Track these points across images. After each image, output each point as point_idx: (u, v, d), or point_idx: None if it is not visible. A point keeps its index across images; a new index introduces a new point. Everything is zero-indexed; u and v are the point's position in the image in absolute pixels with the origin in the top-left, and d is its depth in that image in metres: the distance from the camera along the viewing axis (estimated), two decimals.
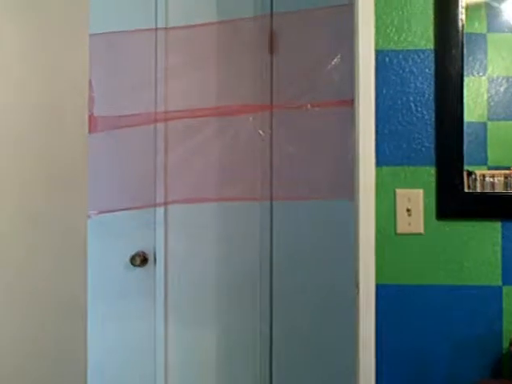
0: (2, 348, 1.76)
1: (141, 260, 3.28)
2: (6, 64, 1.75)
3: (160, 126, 3.22)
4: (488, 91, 2.16)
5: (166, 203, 3.24)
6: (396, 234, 2.17)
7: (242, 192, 3.19)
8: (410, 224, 2.16)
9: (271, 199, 3.17)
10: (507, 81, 2.16)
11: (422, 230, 2.16)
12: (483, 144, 2.16)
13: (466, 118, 2.14)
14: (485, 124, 2.16)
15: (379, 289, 2.17)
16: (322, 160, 3.03)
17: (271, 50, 3.15)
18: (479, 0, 2.16)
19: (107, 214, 3.28)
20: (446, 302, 2.17)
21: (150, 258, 3.30)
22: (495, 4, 2.16)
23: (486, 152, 2.16)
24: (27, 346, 1.87)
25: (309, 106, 2.98)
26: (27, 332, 1.88)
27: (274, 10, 3.15)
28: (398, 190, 2.17)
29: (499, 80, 2.16)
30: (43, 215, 1.94)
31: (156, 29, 3.26)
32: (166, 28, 3.24)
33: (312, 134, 3.04)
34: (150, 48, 3.24)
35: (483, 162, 2.16)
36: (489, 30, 2.16)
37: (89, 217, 2.40)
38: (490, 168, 2.16)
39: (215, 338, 3.27)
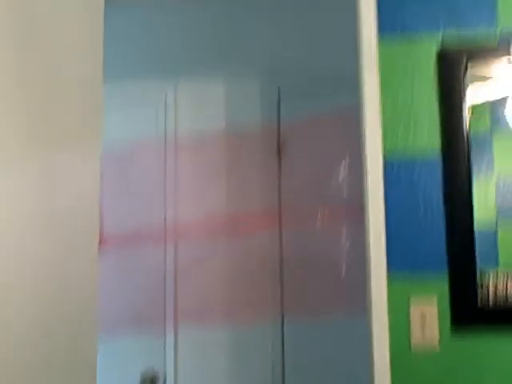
0: None
1: (151, 381, 3.21)
2: (16, 189, 1.75)
3: (170, 244, 3.22)
4: (496, 192, 2.13)
5: (175, 326, 3.20)
6: (411, 347, 2.10)
7: (253, 312, 3.15)
8: (424, 337, 2.10)
9: (282, 320, 3.12)
10: None
11: (436, 345, 2.09)
12: (494, 248, 2.12)
13: (476, 222, 2.11)
14: (495, 228, 2.12)
15: None
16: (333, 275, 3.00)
17: (279, 159, 3.18)
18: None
19: (117, 339, 3.24)
20: None
21: (160, 381, 3.23)
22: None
23: (497, 256, 2.11)
24: None
25: (318, 215, 2.97)
26: None
27: (282, 114, 3.19)
28: (411, 301, 2.11)
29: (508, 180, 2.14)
30: (54, 338, 1.90)
31: (165, 139, 3.31)
32: (175, 138, 3.29)
33: (322, 245, 3.03)
34: (159, 158, 3.28)
35: (494, 266, 2.11)
36: (494, 129, 2.17)
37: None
38: (502, 270, 2.11)
39: None
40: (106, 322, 3.08)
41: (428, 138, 2.17)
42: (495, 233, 2.12)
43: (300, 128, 3.12)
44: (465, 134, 2.14)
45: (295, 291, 3.10)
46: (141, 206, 3.26)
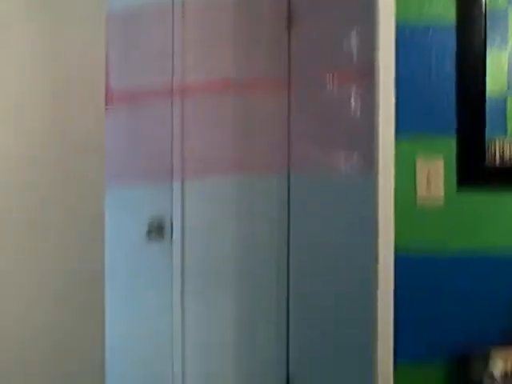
0: (25, 314, 1.78)
1: (157, 233, 3.30)
2: (21, 39, 1.76)
3: (177, 98, 3.23)
4: (509, 64, 2.16)
5: (183, 175, 3.25)
6: (416, 204, 2.18)
7: (259, 164, 3.20)
8: (429, 194, 2.17)
9: (288, 171, 3.18)
10: None
11: (441, 201, 2.17)
12: (503, 116, 2.17)
13: (487, 90, 2.15)
14: (505, 97, 2.17)
15: (398, 260, 2.18)
16: (341, 133, 3.03)
17: (289, 24, 3.15)
18: None
19: (125, 189, 3.30)
20: (466, 273, 2.18)
21: (167, 231, 3.32)
22: None
23: (505, 123, 2.17)
24: (46, 317, 1.89)
25: (328, 78, 2.97)
26: (46, 304, 1.90)
27: None
28: (418, 159, 2.17)
29: None
30: (59, 187, 1.95)
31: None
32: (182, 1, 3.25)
33: (331, 105, 3.05)
34: (167, 21, 3.24)
35: (503, 132, 2.17)
36: (509, 7, 2.16)
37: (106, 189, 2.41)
38: (510, 138, 2.17)
39: (232, 311, 3.29)
40: (114, 172, 3.15)
41: (444, 7, 2.16)
42: (505, 102, 2.17)
43: None
44: (482, 6, 2.14)
45: (302, 145, 3.15)
46: (148, 65, 3.25)
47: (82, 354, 2.08)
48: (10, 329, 1.73)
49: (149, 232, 3.31)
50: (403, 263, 2.18)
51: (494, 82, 2.16)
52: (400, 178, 2.17)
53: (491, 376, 1.86)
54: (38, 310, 1.83)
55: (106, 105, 2.45)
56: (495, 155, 2.16)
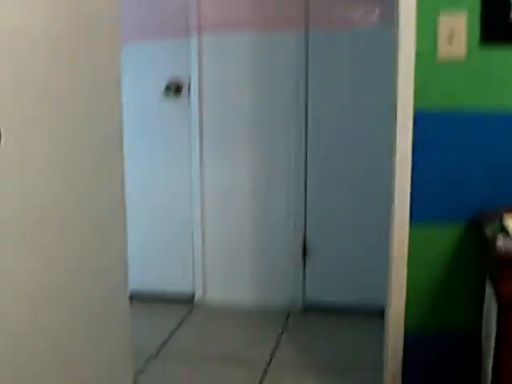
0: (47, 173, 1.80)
1: (175, 89, 3.31)
2: None
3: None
4: None
5: (199, 31, 3.22)
6: (437, 59, 2.15)
7: (277, 19, 3.16)
8: (451, 49, 2.12)
9: (307, 27, 3.14)
10: None
11: (463, 56, 2.13)
12: None
13: None
14: None
15: (417, 115, 2.17)
16: None
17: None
18: None
19: (142, 45, 3.28)
20: (485, 128, 2.17)
21: (185, 87, 3.33)
22: None
23: None
24: (65, 176, 1.92)
25: None
26: (66, 163, 1.92)
27: None
28: (441, 13, 2.11)
29: None
30: (71, 47, 1.93)
31: None
32: None
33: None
34: None
35: None
36: None
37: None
38: None
39: (249, 170, 3.37)
40: (130, 30, 3.13)
41: None
42: None
43: None
44: None
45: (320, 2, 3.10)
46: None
47: (103, 200, 2.12)
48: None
49: (167, 89, 3.32)
50: (422, 119, 2.17)
51: None
52: (421, 33, 2.13)
53: (505, 233, 1.90)
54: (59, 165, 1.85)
55: None
56: None
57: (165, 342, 3.06)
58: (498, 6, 2.09)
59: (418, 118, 2.18)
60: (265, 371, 2.77)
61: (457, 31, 2.12)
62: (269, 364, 2.84)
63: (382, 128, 2.62)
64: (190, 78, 3.31)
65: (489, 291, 2.00)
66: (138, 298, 3.16)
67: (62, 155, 1.85)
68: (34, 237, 1.73)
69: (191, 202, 3.41)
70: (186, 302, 3.49)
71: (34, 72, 1.70)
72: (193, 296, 3.51)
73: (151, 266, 3.49)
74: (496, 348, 1.85)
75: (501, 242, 1.87)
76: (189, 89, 3.32)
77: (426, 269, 2.26)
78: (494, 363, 1.86)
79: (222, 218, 3.42)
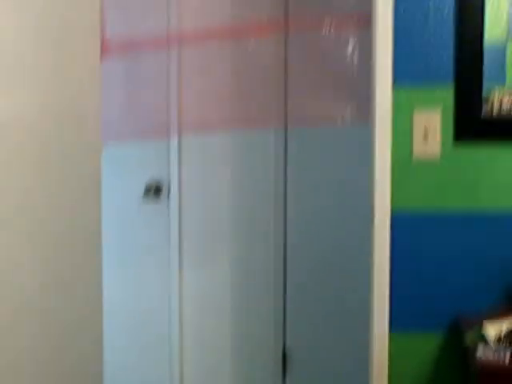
0: (22, 275, 1.76)
1: (154, 193, 3.28)
2: None
3: (173, 51, 3.16)
4: (509, 11, 2.08)
5: (179, 132, 3.20)
6: (412, 157, 2.13)
7: (257, 118, 3.14)
8: (426, 148, 2.12)
9: (286, 126, 3.11)
10: None
11: (438, 155, 2.12)
12: (502, 64, 2.09)
13: (486, 36, 2.07)
14: (504, 43, 2.09)
15: (394, 215, 2.14)
16: (338, 84, 2.97)
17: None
18: None
19: (121, 146, 3.26)
20: (462, 228, 2.14)
21: (164, 191, 3.29)
22: None
23: (504, 72, 2.09)
24: (44, 278, 1.88)
25: (326, 25, 2.88)
26: (43, 264, 1.88)
27: None
28: (415, 112, 2.11)
29: None
30: (54, 146, 1.92)
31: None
32: None
33: (328, 54, 2.98)
34: None
35: (502, 82, 2.10)
36: None
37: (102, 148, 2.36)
38: (508, 88, 2.09)
39: (229, 274, 3.27)
40: (110, 130, 3.11)
41: None
42: (504, 50, 2.09)
43: None
44: None
45: (299, 100, 3.08)
46: (144, 12, 3.19)
47: (79, 319, 2.07)
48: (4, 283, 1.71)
49: (146, 192, 3.28)
50: (399, 220, 2.14)
51: (493, 30, 2.08)
52: (396, 131, 2.12)
53: (485, 342, 1.83)
54: (30, 267, 1.81)
55: (101, 55, 2.38)
56: (493, 106, 2.09)
57: None
58: (470, 103, 2.09)
59: (396, 220, 2.15)
60: None
61: (431, 130, 2.12)
62: None
63: (362, 230, 2.55)
64: (169, 180, 3.27)
65: None
66: None
67: (39, 257, 1.80)
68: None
69: (169, 309, 3.31)
70: None
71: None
72: None
73: (126, 379, 3.34)
74: None
75: (480, 353, 1.80)
76: (168, 191, 3.27)
77: (407, 381, 2.18)
78: None
79: (200, 329, 3.31)
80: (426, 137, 2.11)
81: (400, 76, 2.11)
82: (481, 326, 1.93)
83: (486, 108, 2.09)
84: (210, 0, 3.13)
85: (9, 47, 1.70)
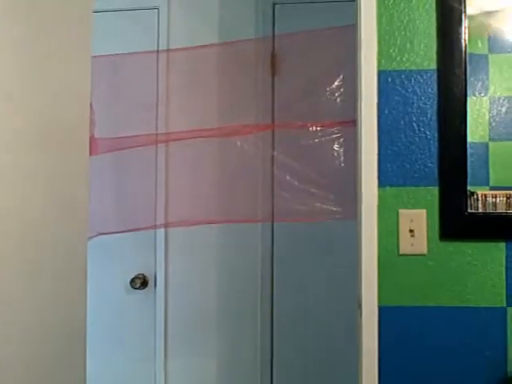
0: (2, 368, 1.74)
1: (141, 282, 3.27)
2: (5, 83, 1.74)
3: (161, 147, 3.21)
4: (490, 111, 2.15)
5: (166, 225, 3.23)
6: (399, 254, 2.16)
7: (244, 213, 3.18)
8: (412, 245, 2.15)
9: (272, 221, 3.15)
10: (509, 101, 2.15)
11: (425, 251, 2.15)
12: (485, 164, 2.15)
13: (468, 138, 2.13)
14: (486, 144, 2.15)
15: (382, 310, 2.15)
16: (326, 180, 3.02)
17: (273, 72, 3.16)
18: (482, 21, 2.16)
19: (107, 236, 3.27)
20: (450, 324, 2.15)
21: (151, 281, 3.29)
22: (497, 25, 2.16)
23: (488, 172, 2.15)
24: (27, 366, 1.85)
25: (310, 126, 2.96)
26: (27, 352, 1.86)
27: (276, 32, 3.16)
28: (401, 211, 2.15)
29: (501, 100, 2.16)
30: (43, 235, 1.93)
31: (157, 51, 3.27)
32: (167, 50, 3.25)
33: (314, 152, 3.04)
34: (151, 70, 3.25)
35: (485, 182, 2.15)
36: (491, 51, 2.16)
37: (89, 239, 2.37)
38: (491, 188, 2.15)
39: (215, 364, 3.26)
40: (96, 224, 3.12)
41: (424, 55, 2.16)
42: (487, 150, 2.15)
43: (294, 42, 3.08)
44: (462, 53, 2.13)
45: (285, 197, 3.13)
46: (132, 112, 3.25)
47: None
48: None
49: (132, 282, 3.27)
50: (387, 315, 2.15)
51: (475, 130, 2.14)
52: (382, 230, 2.15)
53: None
54: (9, 357, 1.78)
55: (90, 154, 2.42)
56: (477, 204, 2.13)
57: None
58: (455, 201, 2.13)
59: (383, 314, 2.15)
60: None
61: (417, 228, 2.14)
62: None
63: (349, 328, 2.56)
64: (155, 273, 3.27)
65: None
66: None
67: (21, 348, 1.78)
68: None
69: None
70: None
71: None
72: None
73: None
74: None
75: None
76: (155, 283, 3.27)
77: None
78: None
79: None
80: (412, 235, 2.14)
81: (385, 175, 2.15)
82: None
83: (470, 205, 2.13)
84: (197, 103, 3.20)
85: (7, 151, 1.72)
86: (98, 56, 2.62)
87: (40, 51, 1.89)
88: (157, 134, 3.18)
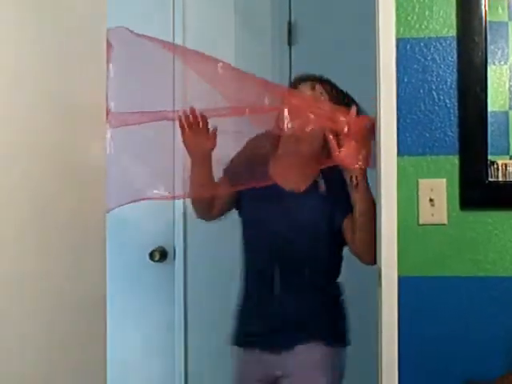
0: (23, 346, 1.75)
1: (160, 255, 3.28)
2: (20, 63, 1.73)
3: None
4: (510, 80, 2.13)
5: (185, 195, 3.21)
6: (419, 224, 2.15)
7: None
8: (433, 215, 2.13)
9: None
10: None
11: (445, 221, 2.14)
12: (505, 133, 2.13)
13: (489, 107, 2.11)
14: (507, 113, 2.13)
15: (401, 281, 2.14)
16: None
17: (289, 41, 3.14)
18: None
19: (126, 209, 3.26)
20: (470, 294, 2.14)
21: (170, 253, 3.30)
22: None
23: (508, 142, 2.13)
24: (47, 342, 1.86)
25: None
26: (46, 328, 1.86)
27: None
28: (420, 180, 2.14)
29: None
30: (60, 210, 1.92)
31: (173, 21, 3.24)
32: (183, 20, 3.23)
33: None
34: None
35: (505, 151, 2.14)
36: (511, 18, 2.13)
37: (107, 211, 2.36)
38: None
39: None
40: (114, 196, 3.11)
41: (443, 22, 2.13)
42: (507, 119, 2.13)
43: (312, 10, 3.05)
44: (482, 20, 2.10)
45: None
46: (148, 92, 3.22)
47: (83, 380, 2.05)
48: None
49: (151, 254, 3.29)
50: (407, 285, 2.14)
51: (495, 99, 2.12)
52: (402, 199, 2.14)
53: None
54: (31, 330, 1.80)
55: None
56: (498, 173, 2.11)
57: None
58: (475, 170, 2.12)
59: (403, 284, 2.14)
60: None
61: (437, 197, 2.13)
62: None
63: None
64: (174, 245, 3.28)
65: None
66: None
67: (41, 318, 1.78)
68: None
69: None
70: None
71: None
72: None
73: None
74: None
75: None
76: (174, 255, 3.28)
77: None
78: None
79: None
80: (432, 204, 2.13)
81: (404, 144, 2.13)
82: None
83: (490, 174, 2.12)
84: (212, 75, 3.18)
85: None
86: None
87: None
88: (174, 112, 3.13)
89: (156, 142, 3.21)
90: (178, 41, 3.22)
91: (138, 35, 2.73)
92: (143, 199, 2.97)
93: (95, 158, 2.15)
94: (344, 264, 2.64)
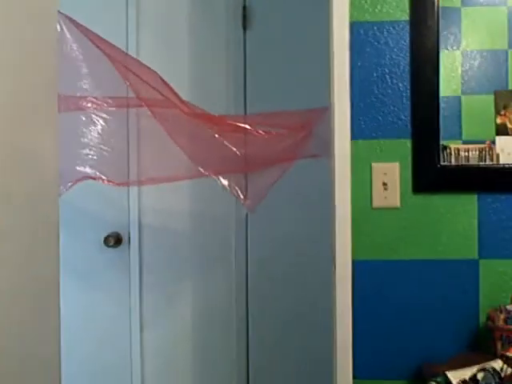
0: None
1: (115, 241, 3.25)
2: None
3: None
4: (462, 65, 2.15)
5: (139, 182, 3.19)
6: (372, 208, 2.16)
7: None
8: (386, 198, 2.15)
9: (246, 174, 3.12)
10: (481, 55, 2.15)
11: (398, 204, 2.15)
12: (458, 118, 2.15)
13: (441, 92, 2.12)
14: (459, 98, 2.15)
15: (356, 264, 2.16)
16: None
17: (244, 25, 3.12)
18: None
19: (80, 195, 3.22)
20: (423, 277, 2.16)
21: (124, 239, 3.27)
22: None
23: (460, 126, 2.15)
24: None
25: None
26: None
27: None
28: (373, 164, 2.15)
29: (473, 54, 2.15)
30: (12, 195, 1.89)
31: (127, 7, 3.20)
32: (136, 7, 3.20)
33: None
34: (121, 26, 3.19)
35: (458, 136, 2.15)
36: (464, 4, 2.15)
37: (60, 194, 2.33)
38: (464, 142, 2.15)
39: (190, 315, 3.27)
40: (67, 180, 3.07)
41: (396, 6, 2.14)
42: (459, 103, 2.15)
43: None
44: (435, 5, 2.12)
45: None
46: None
47: (36, 359, 2.02)
48: None
49: (106, 239, 3.25)
50: (361, 268, 2.16)
51: (447, 84, 2.13)
52: (355, 183, 2.15)
53: None
54: None
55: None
56: (450, 157, 2.13)
57: None
58: (428, 154, 2.14)
59: (357, 268, 2.16)
60: None
61: (390, 180, 2.15)
62: None
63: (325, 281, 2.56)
64: (129, 231, 3.26)
65: None
66: None
67: None
68: None
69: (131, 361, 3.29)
70: None
71: None
72: None
73: None
74: None
75: None
76: (129, 240, 3.26)
77: None
78: None
79: (163, 373, 3.28)
80: (385, 188, 2.14)
81: (358, 127, 2.14)
82: (444, 374, 1.93)
83: (443, 158, 2.13)
84: (167, 60, 3.16)
85: None
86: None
87: None
88: (127, 98, 3.09)
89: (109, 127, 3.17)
90: (132, 24, 3.19)
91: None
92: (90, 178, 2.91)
93: (47, 143, 2.12)
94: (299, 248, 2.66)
